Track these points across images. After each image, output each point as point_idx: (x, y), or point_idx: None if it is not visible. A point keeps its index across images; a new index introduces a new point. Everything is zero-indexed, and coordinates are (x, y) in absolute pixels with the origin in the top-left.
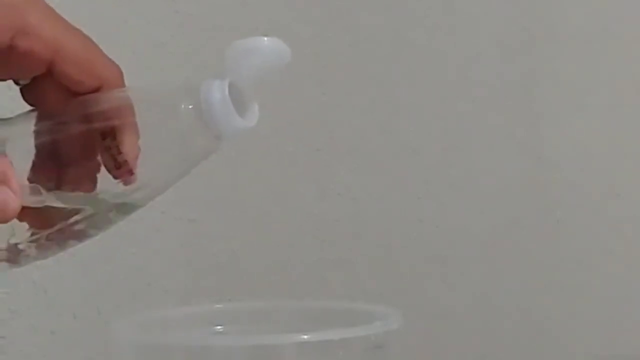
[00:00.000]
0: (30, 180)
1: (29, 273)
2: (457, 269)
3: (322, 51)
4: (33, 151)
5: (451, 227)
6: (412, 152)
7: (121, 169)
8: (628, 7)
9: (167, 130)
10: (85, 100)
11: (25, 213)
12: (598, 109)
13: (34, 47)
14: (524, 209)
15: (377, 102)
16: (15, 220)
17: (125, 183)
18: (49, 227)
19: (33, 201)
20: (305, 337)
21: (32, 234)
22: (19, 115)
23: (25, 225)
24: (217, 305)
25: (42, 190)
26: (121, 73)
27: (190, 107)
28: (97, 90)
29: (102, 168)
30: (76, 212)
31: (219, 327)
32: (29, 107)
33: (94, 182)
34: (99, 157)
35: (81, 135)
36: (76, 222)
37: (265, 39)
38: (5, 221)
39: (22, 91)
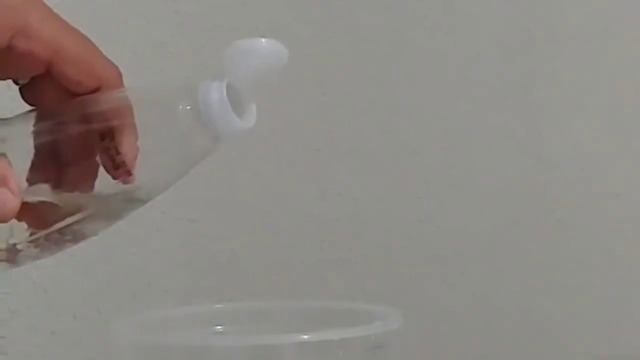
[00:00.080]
0: (29, 180)
1: (28, 273)
2: (457, 269)
3: (322, 51)
4: (32, 151)
5: (451, 227)
6: (412, 152)
7: (119, 170)
8: (628, 7)
9: (165, 130)
10: (84, 100)
11: (24, 213)
12: (598, 109)
13: (32, 48)
14: (524, 209)
15: (377, 102)
16: (14, 221)
17: (124, 183)
18: (47, 227)
19: (32, 201)
20: (305, 337)
21: (31, 234)
22: (18, 115)
23: (24, 225)
24: (217, 305)
25: (41, 191)
26: (120, 73)
27: (188, 107)
28: (95, 90)
29: (101, 168)
30: (75, 212)
31: (219, 327)
32: (28, 107)
33: (92, 182)
34: (97, 158)
35: (80, 136)
36: (75, 222)
37: (263, 40)
38: (3, 221)
39: (22, 91)
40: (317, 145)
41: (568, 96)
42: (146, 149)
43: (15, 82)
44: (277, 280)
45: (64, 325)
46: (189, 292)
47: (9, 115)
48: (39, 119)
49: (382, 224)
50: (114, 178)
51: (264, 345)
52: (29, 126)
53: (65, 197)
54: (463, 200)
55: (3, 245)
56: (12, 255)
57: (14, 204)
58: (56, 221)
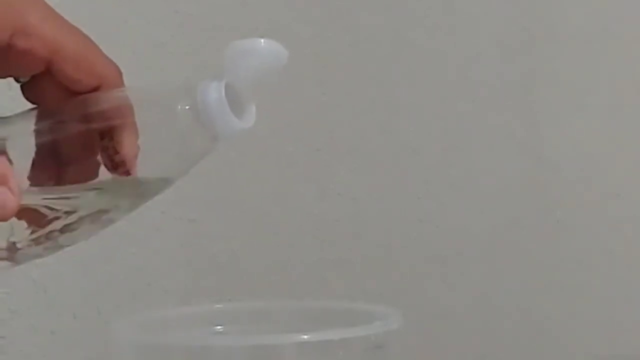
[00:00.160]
0: (30, 178)
1: (28, 272)
2: (457, 269)
3: (322, 51)
4: (33, 149)
5: (451, 227)
6: (412, 152)
7: (118, 169)
8: (628, 7)
9: (164, 130)
10: (84, 99)
11: (24, 212)
12: (598, 109)
13: (32, 46)
14: (524, 209)
15: (377, 102)
16: (14, 219)
17: None
18: (48, 225)
19: (33, 199)
20: (305, 337)
21: (32, 232)
22: (19, 114)
23: (24, 223)
24: (217, 305)
25: (42, 189)
26: (120, 72)
27: (187, 107)
28: (96, 89)
29: (102, 166)
30: (76, 210)
31: (219, 327)
32: (29, 106)
33: (93, 180)
34: (98, 156)
35: (80, 135)
36: (75, 221)
37: (262, 40)
38: (3, 220)
39: (22, 89)
40: (317, 145)
41: (568, 96)
42: (145, 148)
43: (17, 80)
44: (277, 280)
45: (64, 325)
46: (189, 292)
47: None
48: (40, 118)
49: (382, 224)
50: None
51: (264, 345)
52: (30, 125)
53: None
54: (463, 200)
55: (4, 245)
56: (13, 253)
57: (13, 203)
58: (57, 219)
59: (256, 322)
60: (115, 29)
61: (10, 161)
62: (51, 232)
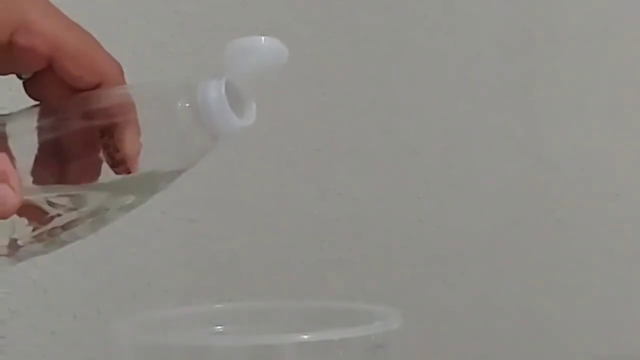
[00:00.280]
0: (32, 174)
1: (28, 272)
2: (457, 269)
3: (322, 51)
4: (36, 146)
5: (451, 227)
6: (412, 152)
7: (119, 167)
8: (628, 7)
9: (164, 128)
10: (85, 97)
11: (26, 209)
12: (598, 109)
13: (33, 43)
14: (524, 209)
15: (377, 102)
16: (16, 217)
17: None
18: (50, 222)
19: (35, 196)
20: (305, 337)
21: (34, 229)
22: (21, 111)
23: (25, 220)
24: (217, 305)
25: (44, 187)
26: (121, 69)
27: (187, 105)
28: (97, 86)
29: (105, 163)
30: (78, 207)
31: (219, 327)
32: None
33: (96, 177)
34: (101, 153)
35: (83, 132)
36: (78, 218)
37: (263, 38)
38: (3, 218)
39: (25, 85)
40: (317, 145)
41: (568, 96)
42: (145, 146)
43: (19, 77)
44: (277, 280)
45: (64, 325)
46: (189, 292)
47: None
48: (42, 115)
49: (382, 224)
50: (116, 174)
51: (264, 345)
52: (32, 121)
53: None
54: (463, 200)
55: (6, 242)
56: (14, 250)
57: (14, 200)
58: (59, 216)
59: (256, 322)
60: (115, 29)
61: (13, 158)
62: (53, 229)
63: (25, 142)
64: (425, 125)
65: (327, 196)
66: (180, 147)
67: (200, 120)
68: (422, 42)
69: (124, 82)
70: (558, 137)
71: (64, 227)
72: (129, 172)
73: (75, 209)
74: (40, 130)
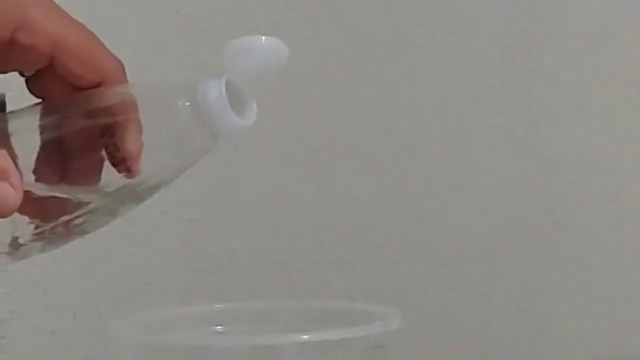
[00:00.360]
0: (34, 172)
1: (28, 272)
2: (457, 269)
3: (322, 51)
4: (38, 144)
5: (451, 227)
6: (412, 152)
7: (120, 166)
8: (628, 7)
9: (164, 127)
10: (87, 95)
11: (28, 207)
12: (598, 109)
13: (35, 42)
14: (524, 209)
15: (377, 102)
16: (17, 215)
17: (127, 177)
18: (52, 220)
19: (37, 195)
20: (305, 337)
21: (36, 227)
22: (24, 108)
23: (27, 219)
24: (217, 305)
25: (46, 184)
26: (123, 68)
27: (187, 104)
28: (99, 84)
29: (106, 161)
30: (80, 205)
31: (219, 327)
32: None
33: (98, 175)
34: (103, 152)
35: (85, 130)
36: (79, 216)
37: (263, 38)
38: (4, 216)
39: (27, 83)
40: (317, 145)
41: (568, 96)
42: (145, 145)
43: (21, 74)
44: (277, 280)
45: (64, 325)
46: (189, 292)
47: None
48: (44, 113)
49: (382, 224)
50: (118, 172)
51: (264, 345)
52: (34, 119)
53: (70, 190)
54: (463, 200)
55: (7, 240)
56: (15, 249)
57: (15, 198)
58: (61, 215)
59: (256, 322)
60: (115, 29)
61: (15, 155)
62: (55, 227)
63: (27, 140)
64: (425, 125)
65: (327, 196)
66: (180, 146)
67: (201, 119)
68: (422, 42)
69: (125, 81)
70: (558, 137)
71: (66, 226)
72: (129, 171)
73: (77, 207)
74: (42, 128)
